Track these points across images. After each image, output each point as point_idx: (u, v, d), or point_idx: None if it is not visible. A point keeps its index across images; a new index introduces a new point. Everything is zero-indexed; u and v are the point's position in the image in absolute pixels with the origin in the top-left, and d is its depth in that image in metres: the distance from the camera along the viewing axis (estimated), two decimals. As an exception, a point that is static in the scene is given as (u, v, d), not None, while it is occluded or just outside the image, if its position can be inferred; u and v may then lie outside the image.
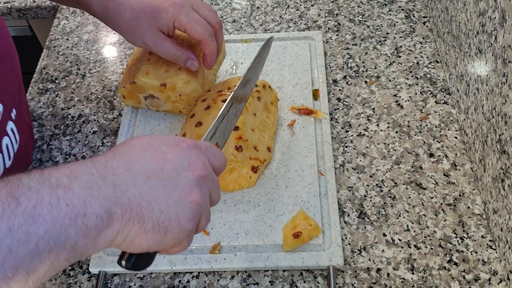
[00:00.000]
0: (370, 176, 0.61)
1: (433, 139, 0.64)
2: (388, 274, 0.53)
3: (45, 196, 0.30)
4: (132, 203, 0.35)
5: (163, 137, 0.41)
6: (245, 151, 0.58)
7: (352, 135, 0.65)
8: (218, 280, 0.54)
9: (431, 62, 0.72)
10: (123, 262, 0.38)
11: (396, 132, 0.65)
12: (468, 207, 0.57)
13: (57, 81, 0.76)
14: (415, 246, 0.55)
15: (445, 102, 0.67)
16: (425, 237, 0.56)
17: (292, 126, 0.65)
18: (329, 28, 0.79)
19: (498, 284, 0.52)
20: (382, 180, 0.61)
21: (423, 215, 0.57)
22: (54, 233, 0.30)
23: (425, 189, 0.59)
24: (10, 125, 0.55)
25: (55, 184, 0.31)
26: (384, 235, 0.56)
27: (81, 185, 0.32)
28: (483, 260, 0.53)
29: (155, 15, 0.56)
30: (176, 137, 0.42)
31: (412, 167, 0.61)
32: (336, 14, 0.81)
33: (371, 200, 0.59)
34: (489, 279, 0.52)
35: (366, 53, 0.75)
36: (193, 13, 0.57)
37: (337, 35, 0.78)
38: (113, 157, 0.37)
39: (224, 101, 0.61)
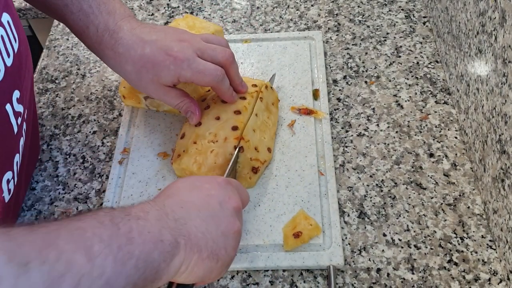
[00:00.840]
0: (370, 176, 0.61)
1: (433, 139, 0.64)
2: (388, 274, 0.53)
3: (133, 225, 0.36)
4: (191, 234, 0.39)
5: (202, 177, 0.48)
6: (246, 152, 0.58)
7: (352, 135, 0.65)
8: (218, 280, 0.54)
9: (431, 62, 0.72)
10: None
11: (396, 132, 0.65)
12: (468, 207, 0.57)
13: (57, 81, 0.76)
14: (415, 246, 0.55)
15: (445, 102, 0.67)
16: (425, 237, 0.56)
17: (292, 126, 0.65)
18: (329, 28, 0.79)
19: (498, 284, 0.52)
20: (382, 180, 0.61)
21: (423, 215, 0.57)
22: (145, 254, 0.35)
23: (425, 189, 0.59)
24: (24, 126, 0.56)
25: (136, 216, 0.37)
26: (384, 235, 0.56)
27: (153, 218, 0.38)
28: (483, 260, 0.53)
29: (157, 72, 0.54)
30: (210, 176, 0.50)
31: (412, 167, 0.61)
32: (336, 14, 0.81)
33: (371, 200, 0.59)
34: (489, 279, 0.52)
35: (366, 53, 0.75)
36: (197, 62, 0.54)
37: (337, 35, 0.78)
38: (167, 198, 0.42)
39: (224, 101, 0.61)
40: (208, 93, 0.64)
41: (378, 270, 0.54)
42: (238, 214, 0.45)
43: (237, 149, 0.56)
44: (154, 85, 0.55)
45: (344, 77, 0.72)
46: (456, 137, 0.64)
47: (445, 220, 0.57)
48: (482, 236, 0.55)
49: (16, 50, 0.50)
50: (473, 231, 0.56)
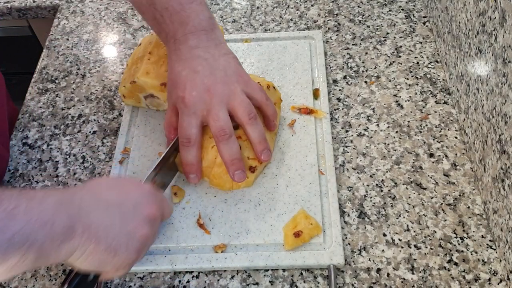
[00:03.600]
0: (370, 176, 0.61)
1: (433, 139, 0.64)
2: (388, 274, 0.53)
3: (22, 204, 0.37)
4: (92, 225, 0.41)
5: (132, 180, 0.51)
6: (244, 151, 0.58)
7: (352, 135, 0.65)
8: (218, 280, 0.54)
9: (431, 62, 0.72)
10: (65, 286, 0.45)
11: (396, 132, 0.65)
12: (468, 207, 0.58)
13: (57, 81, 0.76)
14: (415, 246, 0.55)
15: (445, 102, 0.67)
16: (425, 237, 0.56)
17: (292, 125, 0.65)
18: (329, 28, 0.79)
19: (498, 284, 0.52)
20: (382, 180, 0.61)
21: (423, 215, 0.57)
22: (26, 231, 0.36)
23: (425, 189, 0.59)
24: None
25: (32, 197, 0.39)
26: (384, 235, 0.56)
27: (53, 201, 0.40)
28: (483, 260, 0.53)
29: (169, 95, 0.57)
30: (142, 183, 0.52)
31: (412, 167, 0.61)
32: (336, 14, 0.81)
33: (371, 200, 0.59)
34: (489, 279, 0.52)
35: (366, 53, 0.75)
36: (217, 109, 0.54)
37: (337, 35, 0.78)
38: (82, 188, 0.45)
39: None
40: None
41: (378, 270, 0.54)
42: (152, 222, 0.47)
43: (164, 153, 0.57)
44: (173, 99, 0.57)
45: (344, 77, 0.72)
46: (456, 137, 0.64)
47: (445, 220, 0.57)
48: (482, 236, 0.55)
49: None
50: (473, 231, 0.56)
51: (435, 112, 0.66)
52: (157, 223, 0.48)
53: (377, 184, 0.60)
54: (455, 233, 0.56)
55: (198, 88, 0.55)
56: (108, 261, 0.43)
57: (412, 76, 0.71)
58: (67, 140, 0.68)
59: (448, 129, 0.65)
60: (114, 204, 0.45)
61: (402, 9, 0.80)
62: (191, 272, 0.55)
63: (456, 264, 0.53)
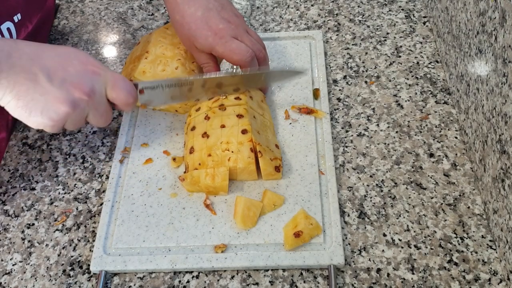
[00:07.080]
0: (370, 176, 0.61)
1: (433, 139, 0.64)
2: (388, 274, 0.53)
3: None
4: (16, 83, 0.46)
5: (87, 58, 0.52)
6: (265, 155, 0.57)
7: (352, 135, 0.65)
8: (218, 280, 0.54)
9: (431, 62, 0.72)
10: None
11: (396, 132, 0.65)
12: (468, 207, 0.58)
13: (57, 81, 0.76)
14: (415, 246, 0.55)
15: (445, 102, 0.67)
16: (425, 237, 0.56)
17: (288, 117, 0.65)
18: (329, 28, 0.79)
19: (498, 284, 0.52)
20: (382, 180, 0.61)
21: (423, 215, 0.57)
22: None
23: (425, 189, 0.59)
24: (7, 24, 0.62)
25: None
26: (384, 235, 0.56)
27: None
28: (483, 260, 0.53)
29: (195, 36, 0.59)
30: (95, 61, 0.52)
31: (412, 167, 0.61)
32: (336, 14, 0.81)
33: (371, 200, 0.59)
34: (489, 279, 0.52)
35: (366, 53, 0.75)
36: (231, 41, 0.59)
37: (337, 35, 0.78)
38: (29, 45, 0.49)
39: (221, 106, 0.60)
40: (200, 102, 0.63)
41: (378, 270, 0.54)
42: (76, 103, 0.49)
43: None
44: (190, 42, 0.61)
45: (344, 77, 0.72)
46: (456, 137, 0.64)
47: (445, 220, 0.57)
48: (482, 236, 0.55)
49: None
50: (473, 231, 0.56)
51: (435, 112, 0.66)
52: (81, 109, 0.50)
53: (377, 184, 0.60)
54: (455, 233, 0.56)
55: (221, 21, 0.59)
56: (23, 118, 0.48)
57: (412, 76, 0.71)
58: (67, 140, 0.68)
59: (448, 129, 0.65)
60: (47, 69, 0.47)
61: (402, 9, 0.80)
62: (191, 272, 0.55)
63: (456, 264, 0.53)
